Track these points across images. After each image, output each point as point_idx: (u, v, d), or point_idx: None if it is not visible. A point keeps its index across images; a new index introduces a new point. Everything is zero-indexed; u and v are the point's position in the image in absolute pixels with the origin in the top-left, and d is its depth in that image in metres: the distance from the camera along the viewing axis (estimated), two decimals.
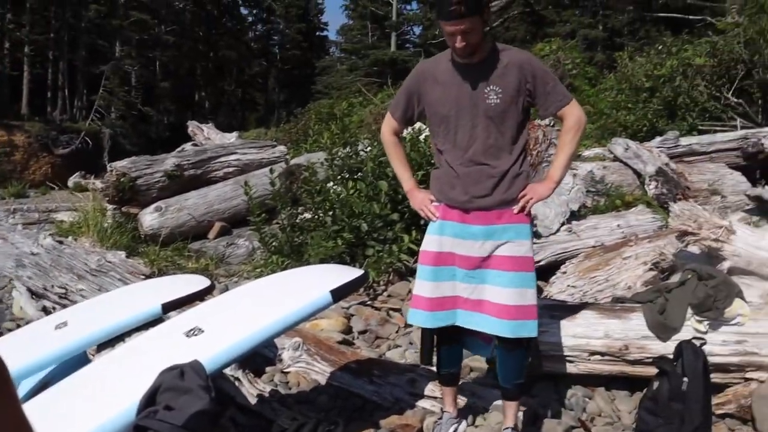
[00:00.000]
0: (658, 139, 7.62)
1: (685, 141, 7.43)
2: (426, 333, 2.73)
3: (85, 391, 2.43)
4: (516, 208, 2.51)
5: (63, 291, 4.36)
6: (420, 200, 2.67)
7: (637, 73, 10.43)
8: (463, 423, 2.81)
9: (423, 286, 2.58)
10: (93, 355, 3.16)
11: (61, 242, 4.84)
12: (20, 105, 28.47)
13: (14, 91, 28.35)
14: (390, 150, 2.81)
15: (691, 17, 20.34)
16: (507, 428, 2.66)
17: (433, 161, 3.31)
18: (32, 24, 29.66)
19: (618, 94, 10.77)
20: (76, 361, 2.94)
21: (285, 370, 3.40)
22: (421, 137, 5.21)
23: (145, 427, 1.89)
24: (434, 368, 2.86)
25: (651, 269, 4.02)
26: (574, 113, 2.54)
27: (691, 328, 3.07)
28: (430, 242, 2.59)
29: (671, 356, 2.94)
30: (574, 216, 5.18)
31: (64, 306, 4.17)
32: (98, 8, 30.18)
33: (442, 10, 2.35)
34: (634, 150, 6.58)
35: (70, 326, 3.08)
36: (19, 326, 4.19)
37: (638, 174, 6.41)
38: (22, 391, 2.81)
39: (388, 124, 2.78)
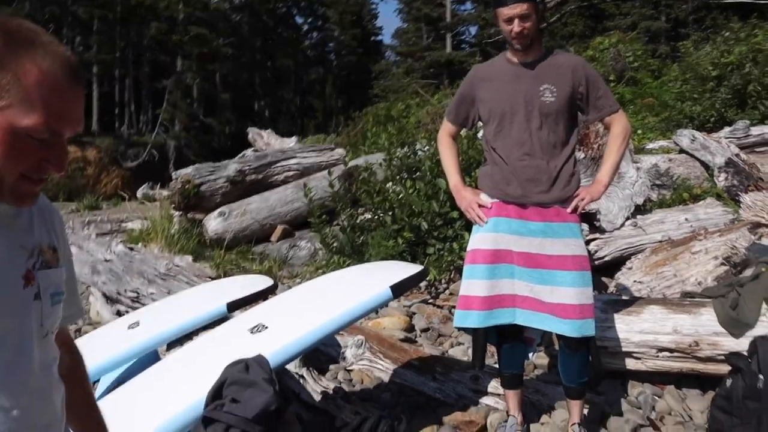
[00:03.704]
0: (727, 129, 7.32)
1: (756, 130, 7.10)
2: (479, 334, 2.63)
3: (157, 386, 2.53)
4: (570, 208, 2.53)
5: (135, 295, 4.52)
6: (468, 201, 2.65)
7: (702, 62, 10.01)
8: None
9: (476, 285, 2.52)
10: (164, 353, 3.29)
11: (132, 249, 5.01)
12: (91, 122, 29.90)
13: (85, 110, 29.64)
14: (442, 149, 2.85)
15: (761, 1, 19.43)
16: (574, 424, 2.62)
17: None
18: (99, 45, 31.17)
19: (683, 85, 10.37)
20: (148, 358, 3.06)
21: (348, 368, 3.43)
22: (480, 134, 5.18)
23: (213, 419, 1.95)
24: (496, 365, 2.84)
25: (722, 264, 3.86)
26: (621, 121, 2.63)
27: (766, 323, 2.94)
28: (484, 240, 2.56)
29: (745, 353, 2.82)
30: (639, 210, 5.02)
31: (136, 309, 4.33)
32: (159, 26, 31.39)
33: None
34: (701, 141, 6.33)
35: (142, 326, 3.21)
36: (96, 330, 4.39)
37: (706, 166, 6.17)
38: (102, 386, 2.96)
39: (445, 128, 2.85)
